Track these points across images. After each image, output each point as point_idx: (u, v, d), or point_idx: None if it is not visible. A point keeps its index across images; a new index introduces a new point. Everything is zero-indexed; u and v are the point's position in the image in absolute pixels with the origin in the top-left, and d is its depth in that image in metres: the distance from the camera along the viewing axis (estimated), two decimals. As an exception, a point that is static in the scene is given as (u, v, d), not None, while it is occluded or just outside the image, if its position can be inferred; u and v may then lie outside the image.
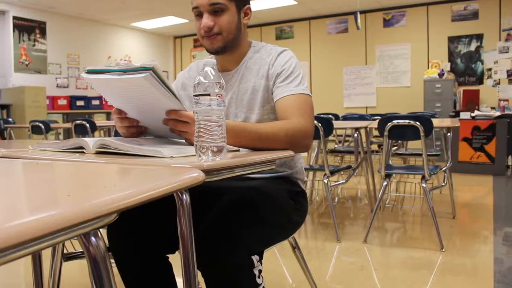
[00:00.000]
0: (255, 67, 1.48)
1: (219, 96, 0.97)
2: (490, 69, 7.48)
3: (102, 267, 0.62)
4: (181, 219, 0.99)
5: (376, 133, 4.91)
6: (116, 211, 0.52)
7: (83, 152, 1.14)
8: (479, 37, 7.54)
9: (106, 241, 1.18)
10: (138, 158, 1.01)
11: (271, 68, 1.45)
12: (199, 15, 1.41)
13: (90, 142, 1.13)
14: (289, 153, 1.18)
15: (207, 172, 0.91)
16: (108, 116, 8.50)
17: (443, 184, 3.54)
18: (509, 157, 6.20)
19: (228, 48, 1.44)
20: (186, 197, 0.97)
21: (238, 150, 1.21)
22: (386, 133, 2.90)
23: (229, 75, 1.51)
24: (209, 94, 0.96)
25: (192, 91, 1.55)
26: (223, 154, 0.98)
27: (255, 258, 1.18)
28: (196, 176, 0.71)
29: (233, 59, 1.51)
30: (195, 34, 10.26)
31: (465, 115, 6.11)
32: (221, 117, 0.98)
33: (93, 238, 0.61)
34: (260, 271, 1.19)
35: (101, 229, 0.60)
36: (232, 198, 1.31)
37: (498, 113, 6.21)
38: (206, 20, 1.39)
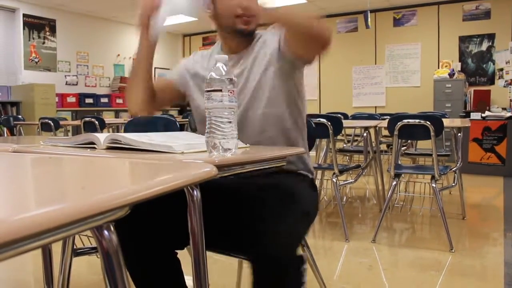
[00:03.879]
0: (259, 49, 1.48)
1: (231, 92, 0.97)
2: (501, 69, 7.40)
3: (115, 260, 0.62)
4: (192, 215, 0.99)
5: (385, 132, 4.88)
6: (128, 204, 0.51)
7: (94, 148, 1.14)
8: (491, 37, 7.46)
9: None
10: (149, 153, 1.00)
11: (275, 37, 1.46)
12: None
13: (101, 137, 1.13)
14: (300, 149, 1.17)
15: (218, 167, 0.91)
16: (117, 114, 8.53)
17: (453, 184, 3.51)
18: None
19: (254, 32, 1.45)
20: (196, 193, 0.97)
21: (248, 147, 1.21)
22: (396, 133, 2.88)
23: (238, 56, 1.48)
24: (221, 90, 0.96)
25: (197, 70, 1.53)
26: (234, 150, 0.97)
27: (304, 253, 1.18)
28: (208, 171, 0.70)
29: (244, 42, 1.49)
30: (204, 33, 10.27)
31: (475, 115, 6.05)
32: (233, 113, 0.97)
33: (106, 232, 0.61)
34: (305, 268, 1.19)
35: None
36: (272, 193, 1.30)
37: (509, 114, 6.14)
38: (250, 0, 1.39)
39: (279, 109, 1.44)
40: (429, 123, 2.75)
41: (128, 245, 1.31)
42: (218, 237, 1.37)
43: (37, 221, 0.40)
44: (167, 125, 2.12)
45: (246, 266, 1.96)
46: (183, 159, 0.92)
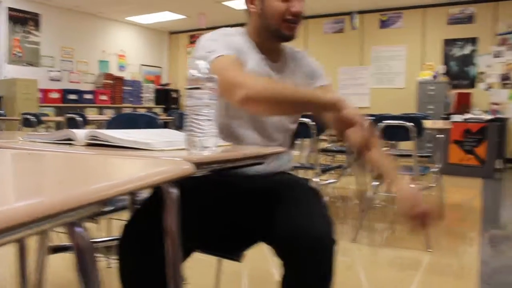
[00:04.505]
0: (296, 63, 1.51)
1: (211, 90, 0.98)
2: (483, 73, 7.53)
3: (88, 257, 0.63)
4: (168, 214, 0.99)
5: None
6: (100, 200, 0.52)
7: (72, 144, 1.14)
8: (474, 41, 7.58)
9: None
10: (128, 150, 1.01)
11: (308, 67, 1.52)
12: None
13: (80, 133, 1.13)
14: (280, 148, 1.19)
15: (197, 165, 0.92)
16: (101, 110, 8.47)
17: (432, 185, 3.57)
18: (499, 160, 6.26)
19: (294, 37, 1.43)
20: (175, 191, 0.97)
21: (229, 145, 1.22)
22: (378, 133, 2.91)
23: (278, 66, 1.47)
24: (201, 88, 0.97)
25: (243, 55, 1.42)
26: (213, 147, 0.98)
27: None
28: (185, 169, 0.71)
29: (279, 50, 1.48)
30: (190, 30, 10.23)
31: (457, 117, 6.15)
32: (212, 111, 0.98)
33: (79, 228, 0.61)
34: None
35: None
36: (296, 187, 1.34)
37: (489, 117, 6.26)
38: (300, 4, 1.36)
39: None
40: (410, 125, 2.79)
41: (136, 248, 1.22)
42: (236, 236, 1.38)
43: (9, 216, 0.41)
44: (150, 123, 2.11)
45: (227, 266, 1.97)
46: (161, 156, 0.92)
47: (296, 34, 1.40)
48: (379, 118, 2.93)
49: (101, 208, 0.57)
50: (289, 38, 1.40)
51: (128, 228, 1.23)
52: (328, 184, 4.84)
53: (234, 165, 1.07)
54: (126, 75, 9.59)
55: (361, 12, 8.31)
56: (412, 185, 1.23)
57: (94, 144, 1.10)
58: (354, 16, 7.62)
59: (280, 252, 1.14)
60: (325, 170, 3.19)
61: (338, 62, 8.64)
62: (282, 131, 1.48)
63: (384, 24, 8.34)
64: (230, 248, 1.37)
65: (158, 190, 1.27)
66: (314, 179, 3.16)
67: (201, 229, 1.33)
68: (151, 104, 9.81)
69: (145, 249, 1.18)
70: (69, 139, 1.16)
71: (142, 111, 8.73)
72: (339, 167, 3.45)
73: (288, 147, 1.56)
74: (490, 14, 7.46)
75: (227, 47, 1.31)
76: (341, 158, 5.22)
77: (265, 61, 1.43)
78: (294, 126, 1.54)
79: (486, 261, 2.62)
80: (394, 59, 8.22)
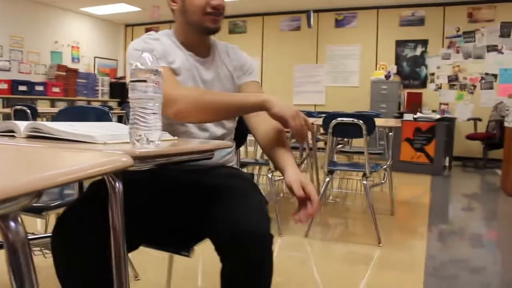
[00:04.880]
0: (224, 58, 1.53)
1: (155, 83, 0.96)
2: (433, 74, 7.81)
3: (22, 254, 0.60)
4: (113, 209, 0.97)
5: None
6: (29, 193, 0.50)
7: (13, 136, 1.10)
8: (424, 42, 7.84)
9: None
10: (70, 143, 0.97)
11: (237, 61, 1.54)
12: None
13: (21, 125, 1.09)
14: (228, 143, 1.19)
15: (141, 159, 0.90)
16: (53, 103, 8.19)
17: (383, 181, 3.66)
18: (447, 158, 6.51)
19: (219, 30, 1.45)
20: (118, 185, 0.95)
21: (176, 139, 1.20)
22: (330, 130, 2.96)
23: (207, 61, 1.50)
24: (145, 81, 0.95)
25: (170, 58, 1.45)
26: (158, 141, 0.97)
27: None
28: (124, 162, 0.70)
29: (206, 44, 1.51)
30: (147, 23, 10.05)
31: (408, 116, 6.35)
32: (157, 104, 0.97)
33: (12, 223, 0.59)
34: None
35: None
36: (237, 180, 1.35)
37: (438, 116, 6.50)
38: None
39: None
40: (361, 122, 2.85)
41: (76, 241, 1.16)
42: (175, 231, 1.37)
43: None
44: (100, 116, 2.05)
45: (178, 261, 1.95)
46: (104, 149, 0.90)
47: (220, 26, 1.43)
48: (331, 115, 2.98)
49: (32, 200, 0.55)
50: (213, 30, 1.43)
51: (59, 221, 1.19)
52: (281, 180, 4.89)
53: (180, 159, 1.06)
54: (80, 67, 9.32)
55: (317, 11, 8.42)
56: (300, 173, 1.28)
57: (37, 136, 1.06)
58: (310, 15, 7.70)
59: (218, 246, 1.15)
60: (279, 166, 3.21)
61: (294, 60, 8.73)
62: (222, 127, 1.50)
63: (339, 24, 8.48)
64: (178, 243, 1.36)
65: (97, 183, 1.25)
66: (268, 175, 3.18)
67: (146, 224, 1.31)
68: (106, 98, 9.57)
69: (76, 242, 1.14)
70: (12, 131, 1.12)
71: (96, 104, 8.50)
72: (293, 163, 3.48)
73: (231, 141, 1.58)
74: (439, 17, 7.74)
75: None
76: (295, 154, 5.28)
77: (192, 57, 1.46)
78: (232, 124, 1.56)
79: (434, 255, 2.72)
80: (348, 58, 8.38)
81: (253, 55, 8.91)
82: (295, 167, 1.28)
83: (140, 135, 0.94)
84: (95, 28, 9.82)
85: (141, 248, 1.35)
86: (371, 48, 8.22)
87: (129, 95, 0.96)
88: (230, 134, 1.56)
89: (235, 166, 1.56)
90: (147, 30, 10.15)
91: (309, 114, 4.98)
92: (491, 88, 7.44)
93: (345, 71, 8.41)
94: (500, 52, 7.39)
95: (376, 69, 7.97)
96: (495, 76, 7.42)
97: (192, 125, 1.44)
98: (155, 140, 0.96)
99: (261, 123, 1.41)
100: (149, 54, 0.99)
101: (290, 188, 1.23)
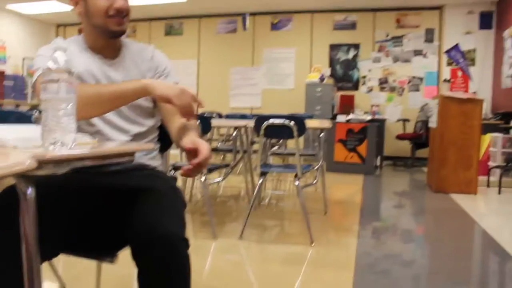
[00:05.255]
0: (136, 59, 1.50)
1: (68, 84, 0.92)
2: (364, 77, 8.11)
3: None
4: (25, 217, 0.92)
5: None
6: None
7: None
8: (356, 46, 8.12)
9: None
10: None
11: (152, 62, 1.52)
12: None
13: None
14: (149, 145, 1.17)
15: (55, 163, 0.86)
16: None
17: (314, 182, 3.75)
18: (378, 158, 6.78)
19: (125, 32, 1.44)
20: (30, 191, 0.91)
21: (95, 142, 1.16)
22: (262, 132, 2.99)
23: (115, 62, 1.47)
24: (57, 81, 0.91)
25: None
26: (71, 144, 0.93)
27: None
28: (27, 165, 0.66)
29: (115, 46, 1.48)
30: (80, 23, 9.68)
31: (341, 118, 6.55)
32: (70, 105, 0.93)
33: None
34: None
35: None
36: (156, 184, 1.30)
37: (369, 117, 6.76)
38: (124, 1, 1.37)
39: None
40: (292, 124, 2.90)
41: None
42: (90, 236, 1.32)
43: None
44: (20, 119, 1.95)
45: (107, 269, 1.89)
46: (12, 153, 0.85)
47: (125, 28, 1.42)
48: (263, 117, 3.00)
49: None
50: (118, 33, 1.42)
51: None
52: (217, 183, 4.89)
53: (98, 163, 1.02)
54: (7, 69, 8.82)
55: (253, 14, 8.49)
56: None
57: None
58: (245, 17, 7.75)
59: (132, 251, 1.12)
60: (212, 169, 3.21)
61: (230, 62, 8.74)
62: (139, 125, 1.48)
63: (275, 27, 8.60)
64: (101, 249, 1.31)
65: (8, 191, 1.18)
66: (201, 179, 3.16)
67: (64, 231, 1.26)
68: (36, 101, 9.12)
69: None
70: None
71: (25, 108, 8.07)
72: (226, 165, 3.48)
73: (155, 141, 1.56)
74: (370, 22, 8.05)
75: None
76: (230, 157, 5.30)
77: (101, 60, 1.44)
78: (150, 122, 1.52)
79: (366, 251, 2.81)
80: (284, 61, 8.51)
81: (189, 57, 8.85)
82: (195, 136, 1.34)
83: (53, 138, 0.90)
84: (23, 27, 9.33)
85: (72, 257, 1.30)
86: (306, 51, 8.40)
87: (41, 96, 0.91)
88: (151, 133, 1.53)
89: (159, 168, 1.53)
90: (80, 31, 9.79)
91: (244, 116, 5.01)
92: (418, 90, 7.84)
93: (280, 73, 8.54)
94: (425, 56, 7.81)
95: (310, 72, 8.15)
96: (421, 79, 7.83)
97: (102, 124, 1.41)
98: (68, 142, 0.92)
99: (171, 120, 1.44)
100: (62, 53, 0.95)
101: (185, 151, 1.26)
